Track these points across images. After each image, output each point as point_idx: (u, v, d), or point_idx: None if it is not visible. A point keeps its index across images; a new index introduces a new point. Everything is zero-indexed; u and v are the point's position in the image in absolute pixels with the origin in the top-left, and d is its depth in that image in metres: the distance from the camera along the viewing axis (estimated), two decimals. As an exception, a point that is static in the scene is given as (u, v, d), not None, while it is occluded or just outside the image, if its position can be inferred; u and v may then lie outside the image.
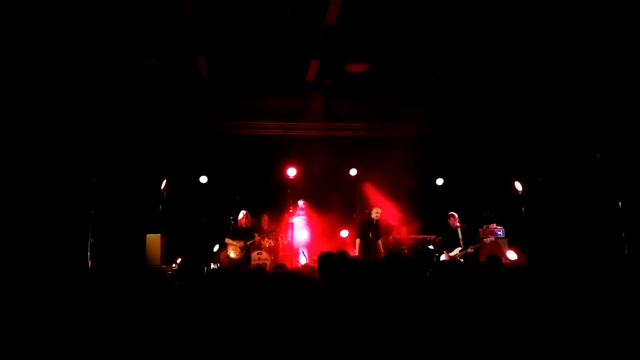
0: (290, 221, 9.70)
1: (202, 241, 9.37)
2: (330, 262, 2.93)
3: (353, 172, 10.62)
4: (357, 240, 9.05)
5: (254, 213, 9.66)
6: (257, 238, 8.92)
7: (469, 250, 8.30)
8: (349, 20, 7.59)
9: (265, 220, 9.82)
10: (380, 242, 9.08)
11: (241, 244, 8.77)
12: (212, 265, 8.57)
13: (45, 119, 8.46)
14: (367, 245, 8.86)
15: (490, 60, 9.32)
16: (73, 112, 8.92)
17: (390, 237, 10.08)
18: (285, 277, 1.89)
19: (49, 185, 8.49)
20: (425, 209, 9.79)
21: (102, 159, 8.86)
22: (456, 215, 8.71)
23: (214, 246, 9.01)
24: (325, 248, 9.25)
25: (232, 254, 8.81)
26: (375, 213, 9.10)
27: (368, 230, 8.95)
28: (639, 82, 8.41)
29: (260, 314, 1.79)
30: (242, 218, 9.01)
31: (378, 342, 2.12)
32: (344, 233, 10.28)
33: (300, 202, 10.27)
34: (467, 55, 9.07)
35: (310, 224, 10.08)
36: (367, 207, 10.51)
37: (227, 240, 8.92)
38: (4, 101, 7.70)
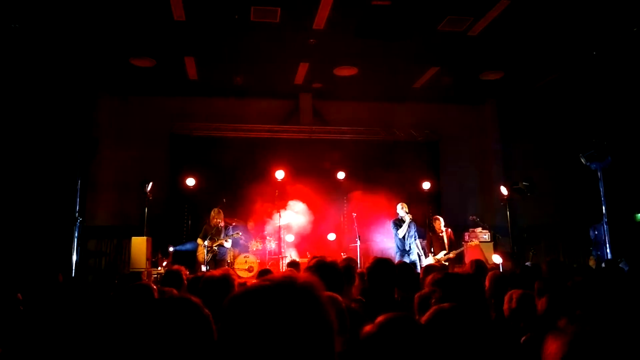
0: (278, 224, 9.62)
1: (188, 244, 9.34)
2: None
3: (341, 175, 10.61)
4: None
5: (239, 215, 9.62)
6: (221, 241, 8.71)
7: (451, 255, 8.36)
8: (338, 24, 7.61)
9: (251, 225, 9.72)
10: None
11: (208, 245, 8.55)
12: (203, 268, 8.40)
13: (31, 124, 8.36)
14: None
15: (480, 63, 9.44)
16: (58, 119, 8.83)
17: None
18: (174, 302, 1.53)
19: (27, 190, 8.43)
20: (412, 213, 9.76)
21: (86, 162, 8.71)
22: (441, 219, 8.76)
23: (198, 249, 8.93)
24: (313, 251, 9.23)
25: (199, 255, 8.73)
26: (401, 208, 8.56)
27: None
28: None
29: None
30: (212, 217, 8.81)
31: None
32: (331, 236, 10.27)
33: (288, 205, 10.20)
34: (455, 59, 9.17)
35: (297, 227, 10.01)
36: (354, 210, 10.48)
37: (198, 241, 8.86)
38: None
